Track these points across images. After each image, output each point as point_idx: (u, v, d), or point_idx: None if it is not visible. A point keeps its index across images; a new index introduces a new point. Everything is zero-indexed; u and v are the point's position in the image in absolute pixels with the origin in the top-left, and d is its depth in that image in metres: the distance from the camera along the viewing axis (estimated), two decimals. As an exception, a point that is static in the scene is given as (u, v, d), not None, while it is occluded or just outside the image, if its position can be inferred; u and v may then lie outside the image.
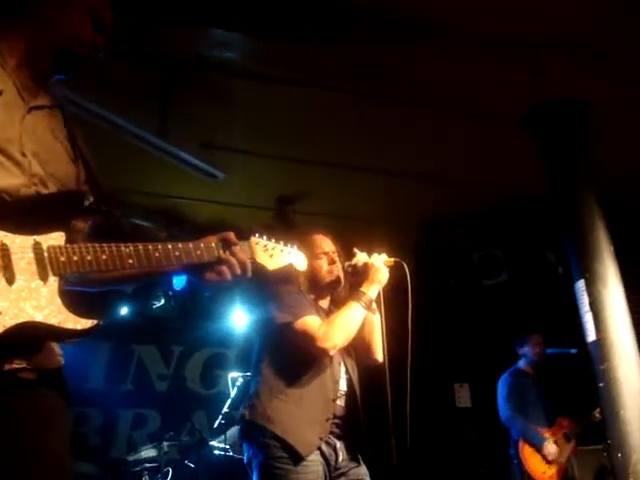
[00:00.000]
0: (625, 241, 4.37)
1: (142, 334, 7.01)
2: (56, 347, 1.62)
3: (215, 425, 5.60)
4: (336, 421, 2.66)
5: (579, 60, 4.02)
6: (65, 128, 1.75)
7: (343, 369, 2.78)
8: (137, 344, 7.05)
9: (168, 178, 5.31)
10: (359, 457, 2.72)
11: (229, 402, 5.59)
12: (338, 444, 2.65)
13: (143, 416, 6.80)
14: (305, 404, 2.59)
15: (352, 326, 2.67)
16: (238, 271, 1.74)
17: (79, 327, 1.52)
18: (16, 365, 1.47)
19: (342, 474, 2.65)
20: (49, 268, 1.49)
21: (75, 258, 1.52)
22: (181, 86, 4.21)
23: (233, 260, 1.74)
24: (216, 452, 5.36)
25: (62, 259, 1.51)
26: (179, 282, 6.05)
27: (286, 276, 2.14)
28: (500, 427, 5.46)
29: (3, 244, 1.44)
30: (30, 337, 1.47)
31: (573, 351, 5.31)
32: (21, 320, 1.43)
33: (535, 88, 4.17)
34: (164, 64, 4.08)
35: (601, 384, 3.94)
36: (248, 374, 4.59)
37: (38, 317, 1.46)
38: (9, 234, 1.45)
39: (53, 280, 1.50)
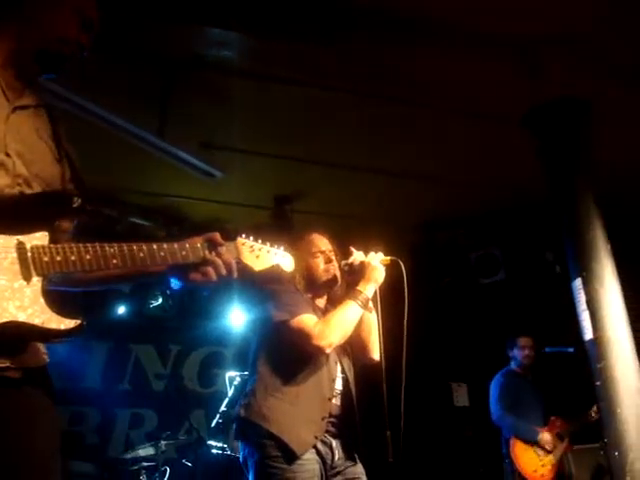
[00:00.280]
0: (622, 240, 4.38)
1: (139, 333, 7.00)
2: (41, 346, 1.62)
3: (213, 424, 5.60)
4: (332, 420, 2.66)
5: (578, 60, 4.02)
6: (50, 127, 1.75)
7: (339, 368, 2.78)
8: (134, 343, 7.04)
9: (166, 177, 5.31)
10: (355, 456, 2.73)
11: (227, 401, 5.59)
12: (334, 443, 2.65)
13: (140, 415, 6.79)
14: (301, 402, 2.59)
15: (348, 324, 2.67)
16: (223, 272, 1.74)
17: (62, 327, 1.52)
18: (0, 364, 1.47)
19: (338, 473, 2.65)
20: (32, 268, 1.49)
21: (58, 258, 1.52)
22: (179, 86, 4.21)
23: (218, 261, 1.73)
24: (214, 451, 5.35)
25: (45, 259, 1.51)
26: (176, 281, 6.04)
27: (275, 277, 2.13)
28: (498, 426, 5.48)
29: None
30: (14, 337, 1.46)
31: (570, 350, 5.32)
32: (4, 320, 1.43)
33: (533, 88, 4.17)
34: (162, 64, 4.08)
35: (598, 382, 3.95)
36: (246, 373, 4.59)
37: (21, 317, 1.46)
38: None
39: (36, 280, 1.50)
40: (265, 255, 1.96)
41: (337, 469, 2.65)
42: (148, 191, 5.72)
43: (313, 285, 2.87)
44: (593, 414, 5.22)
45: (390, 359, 2.69)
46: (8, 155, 1.57)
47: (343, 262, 2.86)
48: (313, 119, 4.69)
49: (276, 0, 3.60)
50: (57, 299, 1.57)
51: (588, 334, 4.03)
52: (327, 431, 2.63)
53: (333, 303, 2.86)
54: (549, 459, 5.25)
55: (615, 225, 4.26)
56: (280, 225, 5.85)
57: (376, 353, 2.82)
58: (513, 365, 5.71)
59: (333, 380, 2.72)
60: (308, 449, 2.54)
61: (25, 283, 1.48)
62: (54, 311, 1.51)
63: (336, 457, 2.64)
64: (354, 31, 3.75)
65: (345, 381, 2.78)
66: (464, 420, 5.95)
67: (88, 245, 1.57)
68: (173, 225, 6.05)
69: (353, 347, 2.87)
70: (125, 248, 1.61)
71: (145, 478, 5.11)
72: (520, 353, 5.64)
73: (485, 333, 6.49)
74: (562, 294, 4.41)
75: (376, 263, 2.77)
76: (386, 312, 2.75)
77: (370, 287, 2.73)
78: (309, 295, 2.86)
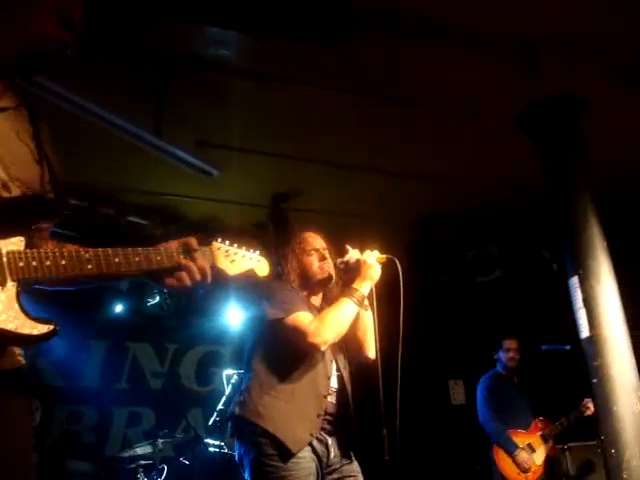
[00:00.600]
0: (619, 238, 4.39)
1: (137, 332, 7.00)
2: (16, 348, 1.62)
3: (210, 422, 5.60)
4: (327, 418, 2.66)
5: (576, 58, 4.03)
6: (31, 128, 1.75)
7: (334, 366, 2.78)
8: (132, 342, 7.04)
9: (164, 176, 5.31)
10: (351, 454, 2.73)
11: (224, 399, 5.59)
12: (330, 440, 2.65)
13: (138, 414, 6.80)
14: (296, 400, 2.60)
15: (344, 322, 2.67)
16: (197, 277, 1.76)
17: (35, 332, 1.53)
18: None
19: (334, 470, 2.66)
20: (7, 273, 1.50)
21: (34, 263, 1.53)
22: (177, 84, 4.21)
23: (193, 266, 1.75)
24: (211, 449, 5.36)
25: (21, 264, 1.52)
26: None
27: (251, 281, 2.15)
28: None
29: None
30: None
31: (567, 347, 5.33)
32: None
33: (531, 87, 4.18)
34: (160, 62, 4.08)
35: (594, 380, 3.95)
36: (242, 371, 4.60)
37: None
38: None
39: (11, 285, 1.51)
40: (240, 260, 1.99)
41: (333, 467, 2.65)
42: (145, 190, 5.71)
43: (308, 283, 2.87)
44: (583, 409, 5.25)
45: (387, 357, 2.70)
46: None
47: (339, 260, 2.86)
48: (310, 118, 4.69)
49: (275, -1, 3.61)
50: (31, 304, 1.58)
51: (585, 332, 4.03)
52: (323, 429, 2.64)
53: (328, 301, 2.86)
54: (533, 461, 5.27)
55: (612, 223, 4.27)
56: (277, 223, 5.85)
57: (372, 351, 2.83)
58: (498, 367, 5.75)
59: (328, 378, 2.73)
60: (304, 447, 2.54)
61: (0, 288, 1.49)
62: (28, 317, 1.53)
63: (332, 455, 2.64)
64: (352, 30, 3.75)
65: (340, 379, 2.78)
66: (461, 418, 5.96)
67: (64, 250, 1.59)
68: (170, 224, 6.04)
69: (349, 345, 2.87)
70: (100, 253, 1.63)
71: (142, 476, 5.11)
72: (505, 355, 5.66)
73: (482, 331, 6.49)
74: (559, 292, 4.41)
75: (372, 261, 2.78)
76: (382, 310, 2.76)
77: (366, 285, 2.74)
78: (304, 293, 2.86)
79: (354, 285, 2.73)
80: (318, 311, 2.80)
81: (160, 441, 5.16)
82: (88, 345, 6.76)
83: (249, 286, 2.85)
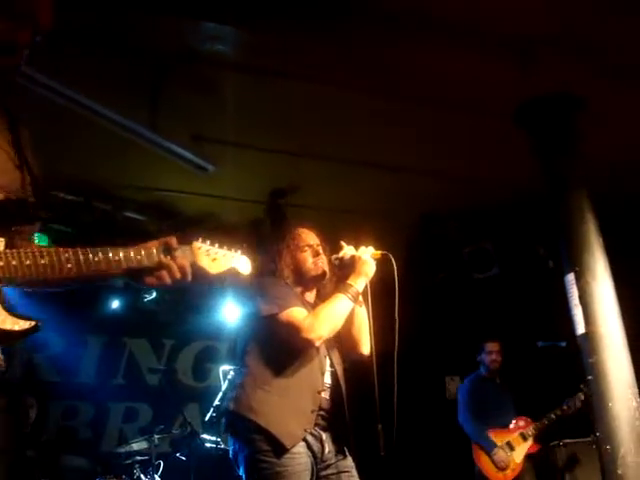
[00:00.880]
0: (615, 235, 4.39)
1: (133, 327, 7.00)
2: None
3: (206, 418, 5.60)
4: (322, 413, 2.66)
5: (574, 57, 4.03)
6: (10, 134, 1.76)
7: (328, 362, 2.78)
8: (128, 337, 7.03)
9: (160, 171, 5.30)
10: (345, 449, 2.73)
11: (220, 395, 5.59)
12: (324, 436, 2.65)
13: (134, 409, 6.80)
14: (290, 395, 2.60)
15: (338, 318, 2.67)
16: (177, 275, 1.80)
17: (17, 328, 1.55)
18: None
19: (329, 466, 2.66)
20: None
21: (14, 262, 1.56)
22: (173, 79, 4.19)
23: (173, 265, 1.79)
24: (207, 445, 5.37)
25: (0, 264, 1.54)
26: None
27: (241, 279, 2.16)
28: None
29: None
30: None
31: (562, 344, 5.35)
32: None
33: (527, 83, 4.18)
34: (156, 57, 4.06)
35: (590, 377, 3.96)
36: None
37: None
38: None
39: None
40: (221, 258, 2.01)
41: (327, 462, 2.66)
42: (141, 185, 5.70)
43: (302, 279, 2.87)
44: (565, 408, 5.28)
45: (383, 353, 2.70)
46: None
47: (334, 256, 2.86)
48: (308, 113, 4.68)
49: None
50: (26, 300, 1.63)
51: (580, 328, 4.04)
52: (317, 424, 2.64)
53: (322, 298, 2.86)
54: (512, 460, 5.30)
55: (608, 220, 4.27)
56: (274, 219, 5.85)
57: (366, 348, 2.83)
58: (481, 369, 5.81)
59: (323, 374, 2.73)
60: (297, 442, 2.54)
61: None
62: (10, 313, 1.54)
63: (326, 450, 2.64)
64: (348, 25, 3.74)
65: (334, 375, 2.78)
66: (456, 413, 5.96)
67: (43, 250, 1.62)
68: (167, 219, 6.04)
69: (343, 342, 2.87)
70: (80, 253, 1.66)
71: (139, 472, 5.12)
72: (487, 358, 5.73)
73: (479, 328, 6.50)
74: (555, 289, 4.42)
75: (367, 257, 2.77)
76: (378, 306, 2.76)
77: (361, 281, 2.73)
78: (298, 289, 2.86)
79: (349, 281, 2.73)
80: (312, 307, 2.79)
81: (156, 437, 5.16)
82: (84, 341, 6.75)
83: (240, 284, 2.84)
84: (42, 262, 1.59)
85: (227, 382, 5.66)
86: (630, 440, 3.76)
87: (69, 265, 1.62)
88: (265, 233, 5.86)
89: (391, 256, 2.78)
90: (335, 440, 2.70)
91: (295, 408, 2.59)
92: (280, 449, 2.49)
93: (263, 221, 6.00)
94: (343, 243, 2.87)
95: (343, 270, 2.81)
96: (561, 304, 4.22)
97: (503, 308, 6.62)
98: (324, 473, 2.64)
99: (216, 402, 5.54)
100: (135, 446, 5.23)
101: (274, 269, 2.84)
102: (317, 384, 2.68)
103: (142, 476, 5.10)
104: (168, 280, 1.78)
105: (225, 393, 5.47)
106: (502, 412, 5.53)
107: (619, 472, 3.72)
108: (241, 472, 2.62)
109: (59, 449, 5.76)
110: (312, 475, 2.58)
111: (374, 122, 4.81)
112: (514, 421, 5.49)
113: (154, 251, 1.78)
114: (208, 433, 5.45)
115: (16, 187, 1.70)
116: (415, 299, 5.70)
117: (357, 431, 2.75)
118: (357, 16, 3.69)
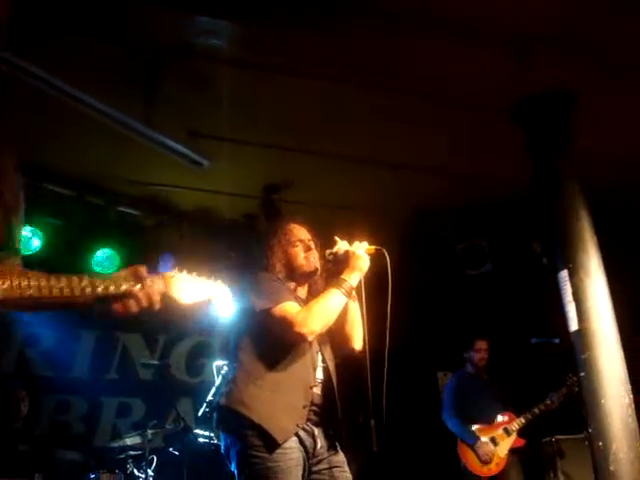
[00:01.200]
0: (609, 232, 4.40)
1: (127, 322, 6.96)
2: None
3: (200, 413, 5.60)
4: (314, 408, 2.66)
5: (570, 54, 4.03)
6: None
7: (320, 358, 2.78)
8: (122, 332, 7.01)
9: (155, 166, 5.28)
10: (337, 444, 2.73)
11: (214, 390, 5.59)
12: (316, 431, 2.65)
13: (128, 404, 6.78)
14: (282, 390, 2.59)
15: (331, 312, 2.67)
16: (144, 304, 1.80)
17: None
18: None
19: (320, 461, 2.66)
20: None
21: None
22: (167, 74, 4.18)
23: (140, 294, 1.79)
24: (201, 440, 5.36)
25: None
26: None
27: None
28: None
29: None
30: None
31: (556, 341, 5.37)
32: None
33: (524, 80, 4.18)
34: (151, 51, 4.05)
35: (582, 373, 3.97)
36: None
37: None
38: None
39: None
40: (197, 288, 1.99)
41: (319, 457, 2.65)
42: (136, 180, 5.68)
43: (293, 274, 2.86)
44: (548, 402, 5.34)
45: (376, 349, 2.70)
46: None
47: (328, 251, 2.85)
48: (304, 109, 4.67)
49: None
50: None
51: (573, 325, 4.06)
52: (309, 419, 2.63)
53: (313, 294, 2.85)
54: (496, 454, 5.34)
55: (602, 217, 4.28)
56: (268, 214, 5.84)
57: (358, 343, 2.82)
58: (468, 366, 5.86)
59: (315, 369, 2.72)
60: (289, 437, 2.53)
61: None
62: None
63: (318, 445, 2.64)
64: (346, 20, 3.74)
65: (326, 370, 2.78)
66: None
67: (7, 274, 1.61)
68: (162, 214, 6.02)
69: (335, 337, 2.86)
70: (43, 280, 1.65)
71: (132, 467, 5.11)
72: (475, 355, 5.78)
73: (472, 324, 6.51)
74: (548, 285, 4.43)
75: (361, 252, 2.77)
76: (372, 302, 2.76)
77: (354, 276, 2.73)
78: (291, 284, 2.86)
79: (343, 276, 2.72)
80: (304, 303, 2.79)
81: (149, 431, 5.15)
82: (78, 335, 6.71)
83: (237, 279, 2.83)
84: (3, 287, 1.59)
85: (220, 377, 5.65)
86: (622, 437, 3.77)
87: (29, 292, 1.62)
88: (259, 228, 5.86)
89: (385, 252, 2.77)
90: (327, 435, 2.69)
91: (287, 403, 2.59)
92: (272, 444, 2.48)
93: (258, 216, 5.99)
94: (337, 238, 2.86)
95: (337, 265, 2.80)
96: (554, 301, 4.23)
97: (496, 304, 6.64)
98: (316, 468, 2.64)
99: (209, 397, 5.54)
100: (128, 441, 5.22)
101: (266, 264, 2.83)
102: (309, 379, 2.68)
103: (135, 471, 5.09)
104: (134, 308, 1.78)
105: (218, 388, 5.47)
106: (488, 408, 5.57)
107: (611, 468, 3.73)
108: (233, 467, 2.61)
109: (52, 443, 5.74)
110: (304, 470, 2.58)
111: (369, 118, 4.81)
112: (499, 417, 5.53)
113: (122, 279, 1.78)
114: (201, 428, 5.44)
115: None
116: (409, 295, 5.70)
117: (350, 427, 2.75)
118: (355, 11, 3.69)
